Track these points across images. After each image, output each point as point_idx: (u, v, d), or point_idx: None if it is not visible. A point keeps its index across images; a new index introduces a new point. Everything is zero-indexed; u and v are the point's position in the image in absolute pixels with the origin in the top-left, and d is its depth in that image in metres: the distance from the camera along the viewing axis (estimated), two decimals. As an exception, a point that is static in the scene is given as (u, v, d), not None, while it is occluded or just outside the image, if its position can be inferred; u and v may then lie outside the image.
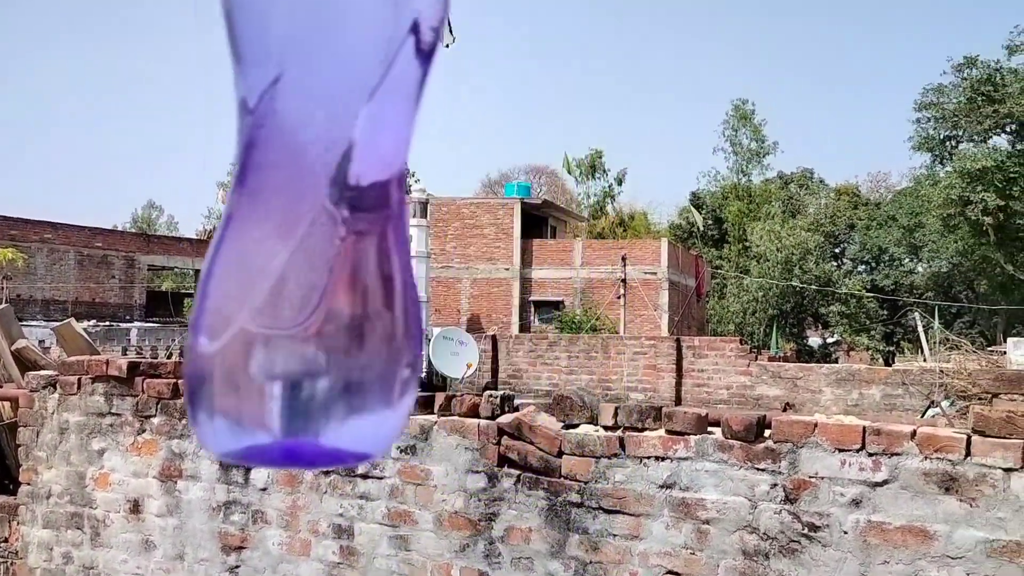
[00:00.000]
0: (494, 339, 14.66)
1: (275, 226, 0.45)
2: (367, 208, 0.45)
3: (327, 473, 4.04)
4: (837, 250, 39.87)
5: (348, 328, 0.44)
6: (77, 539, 4.61)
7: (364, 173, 0.45)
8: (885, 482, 3.00)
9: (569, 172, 39.90)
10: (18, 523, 4.87)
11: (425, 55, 0.44)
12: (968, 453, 2.90)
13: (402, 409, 0.47)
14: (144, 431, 4.47)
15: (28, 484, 4.74)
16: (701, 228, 37.24)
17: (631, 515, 3.40)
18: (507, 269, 28.48)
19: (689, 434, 3.35)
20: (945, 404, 8.59)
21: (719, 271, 35.83)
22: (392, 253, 0.46)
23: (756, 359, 12.62)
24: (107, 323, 13.96)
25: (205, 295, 0.46)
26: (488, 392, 3.95)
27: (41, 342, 7.67)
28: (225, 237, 0.47)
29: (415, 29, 0.43)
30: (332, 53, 0.42)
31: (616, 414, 3.55)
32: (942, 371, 9.93)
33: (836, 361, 24.10)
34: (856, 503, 3.05)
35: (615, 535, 3.42)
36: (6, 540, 5.16)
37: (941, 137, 31.02)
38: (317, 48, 0.42)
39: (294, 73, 0.43)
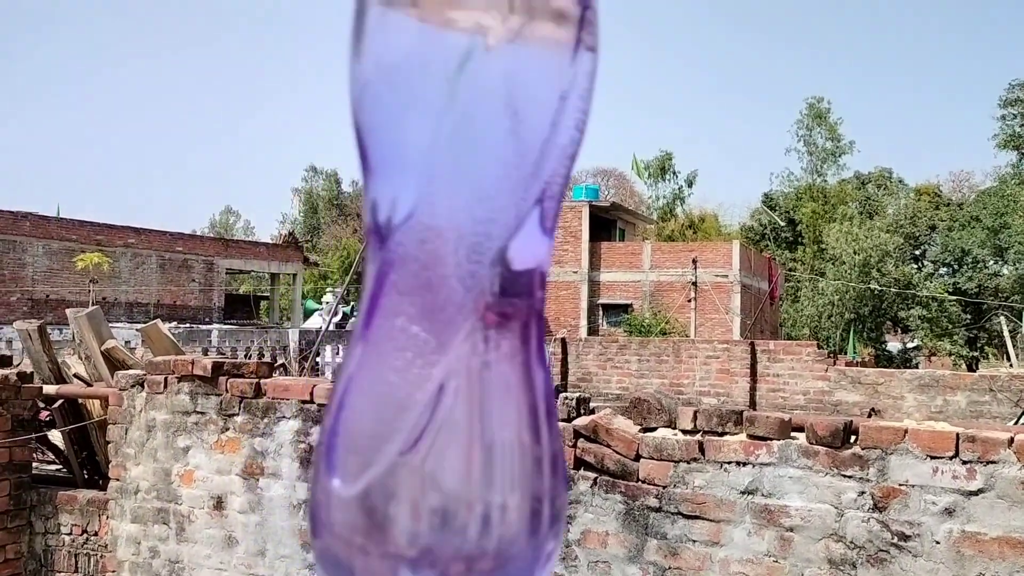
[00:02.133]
0: (563, 342, 14.61)
1: (417, 352, 0.41)
2: (513, 323, 0.40)
3: (404, 473, 4.07)
4: (917, 252, 38.63)
5: (501, 465, 0.40)
6: (163, 534, 4.75)
7: (512, 284, 0.41)
8: (980, 491, 2.89)
9: (638, 175, 39.59)
10: (107, 517, 5.05)
11: (575, 155, 0.41)
12: (1071, 462, 2.76)
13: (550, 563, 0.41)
14: (227, 429, 4.58)
15: (117, 480, 4.91)
16: (779, 226, 36.49)
17: (711, 521, 3.34)
18: (575, 272, 28.39)
19: (772, 439, 3.27)
20: (1037, 412, 8.23)
21: (793, 274, 35.08)
22: (537, 371, 0.42)
23: (834, 364, 12.30)
24: (188, 325, 14.40)
25: (336, 431, 0.42)
26: (564, 395, 3.93)
27: (127, 343, 7.94)
28: (361, 366, 0.42)
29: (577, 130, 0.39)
30: (488, 160, 0.38)
31: (695, 418, 3.49)
32: (1033, 377, 9.53)
33: (916, 367, 23.35)
34: (949, 512, 2.93)
35: (695, 541, 3.37)
36: (96, 534, 5.35)
37: (1029, 134, 29.84)
38: (470, 158, 0.38)
39: (443, 184, 0.38)
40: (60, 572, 5.43)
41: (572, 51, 0.38)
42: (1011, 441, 2.88)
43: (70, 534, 5.42)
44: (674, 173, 40.17)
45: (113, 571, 4.91)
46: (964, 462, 2.92)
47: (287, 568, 4.39)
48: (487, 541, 0.38)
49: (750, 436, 3.33)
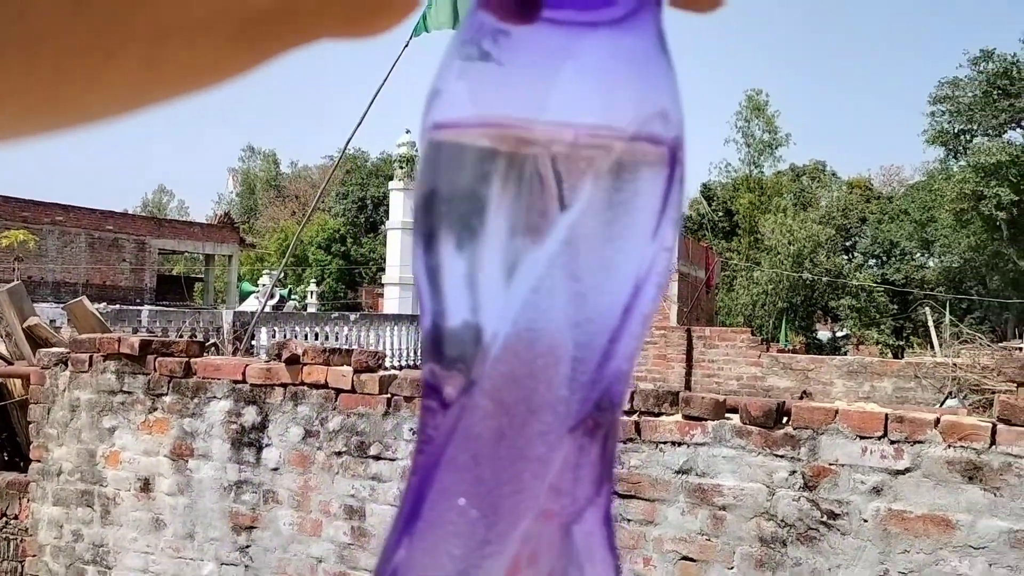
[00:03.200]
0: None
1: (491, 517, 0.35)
2: (596, 446, 0.36)
3: (339, 454, 4.02)
4: (848, 244, 39.65)
5: None
6: (87, 517, 4.60)
7: (603, 403, 0.35)
8: (907, 470, 2.96)
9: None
10: (28, 500, 4.87)
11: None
12: (993, 442, 2.85)
13: None
14: (155, 409, 4.45)
15: (39, 461, 4.73)
16: (714, 218, 37.09)
17: (646, 500, 3.37)
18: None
19: (706, 419, 3.30)
20: (960, 397, 8.52)
21: (729, 263, 35.72)
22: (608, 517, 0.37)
23: (767, 351, 12.55)
24: (117, 305, 13.98)
25: None
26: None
27: (52, 321, 7.67)
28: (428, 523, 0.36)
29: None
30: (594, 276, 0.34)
31: (632, 399, 3.50)
32: (955, 364, 9.86)
33: (845, 355, 23.99)
34: (877, 491, 3.00)
35: (629, 520, 3.38)
36: (16, 517, 5.16)
37: (956, 131, 30.77)
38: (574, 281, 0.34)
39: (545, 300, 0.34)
40: (-23, 557, 5.22)
41: (668, 173, 0.35)
42: (937, 422, 2.96)
43: (-12, 518, 5.22)
44: (615, 161, 40.45)
45: (34, 555, 4.74)
46: (892, 442, 2.99)
47: (217, 551, 4.29)
48: None
49: (685, 417, 3.35)
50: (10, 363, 5.51)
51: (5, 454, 5.67)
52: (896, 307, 34.79)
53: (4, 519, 5.20)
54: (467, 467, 0.36)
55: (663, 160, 0.36)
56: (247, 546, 4.22)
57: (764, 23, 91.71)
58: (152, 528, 4.45)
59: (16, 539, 5.15)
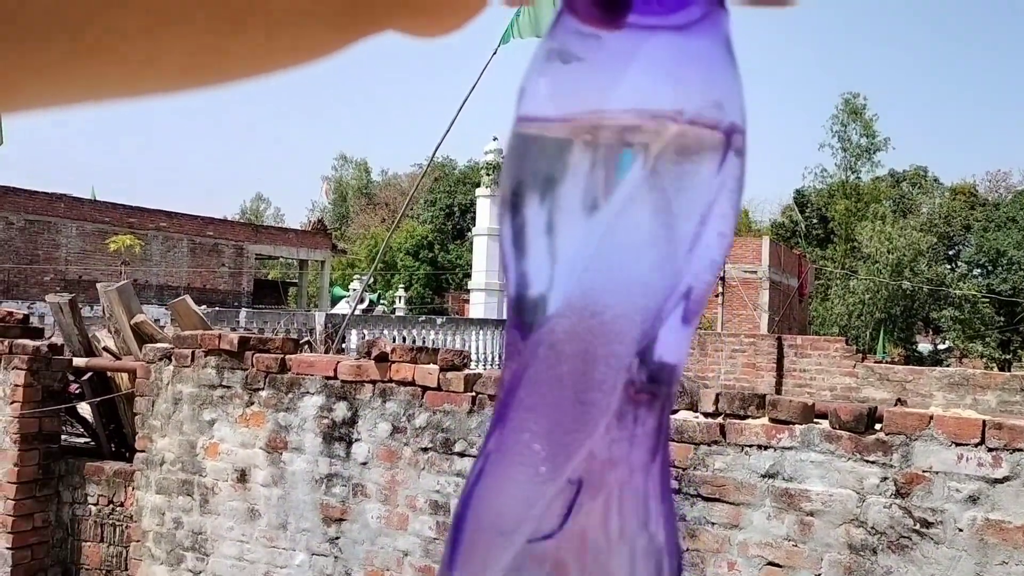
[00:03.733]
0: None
1: (553, 448, 0.40)
2: (650, 419, 0.40)
3: (425, 450, 4.10)
4: (951, 252, 38.07)
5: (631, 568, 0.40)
6: (187, 505, 4.81)
7: (652, 380, 0.39)
8: (1006, 479, 2.84)
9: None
10: (133, 488, 5.12)
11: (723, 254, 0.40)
12: (1101, 451, 2.72)
13: None
14: (252, 403, 4.63)
15: (143, 451, 4.98)
16: (807, 225, 36.13)
17: (731, 504, 3.33)
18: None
19: (794, 423, 3.25)
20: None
21: (823, 271, 34.71)
22: (665, 474, 0.41)
23: (863, 361, 12.16)
24: (217, 308, 14.56)
25: (460, 527, 0.41)
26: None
27: (156, 321, 8.04)
28: (492, 460, 0.41)
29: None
30: (641, 259, 0.38)
31: (717, 401, 3.47)
32: (1066, 378, 9.36)
33: (948, 367, 23.03)
34: (973, 500, 2.89)
35: (713, 523, 3.35)
36: (122, 504, 5.44)
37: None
38: (623, 257, 0.38)
39: (596, 278, 0.38)
40: (86, 541, 5.52)
41: (721, 158, 0.39)
42: (1039, 430, 2.84)
43: (96, 504, 5.51)
44: (704, 168, 39.82)
45: (138, 541, 4.99)
46: (990, 449, 2.88)
47: (308, 541, 4.43)
48: None
49: (772, 420, 3.30)
50: (118, 358, 5.81)
51: (112, 444, 5.98)
52: (1003, 319, 33.17)
53: (111, 506, 5.48)
54: (532, 407, 0.41)
55: (717, 145, 0.39)
56: (337, 537, 4.34)
57: (863, 19, 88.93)
58: (247, 518, 4.62)
59: (122, 525, 5.43)
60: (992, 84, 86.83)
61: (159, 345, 5.08)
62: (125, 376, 5.76)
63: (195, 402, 4.80)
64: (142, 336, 5.64)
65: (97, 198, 26.41)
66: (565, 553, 0.39)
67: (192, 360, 4.83)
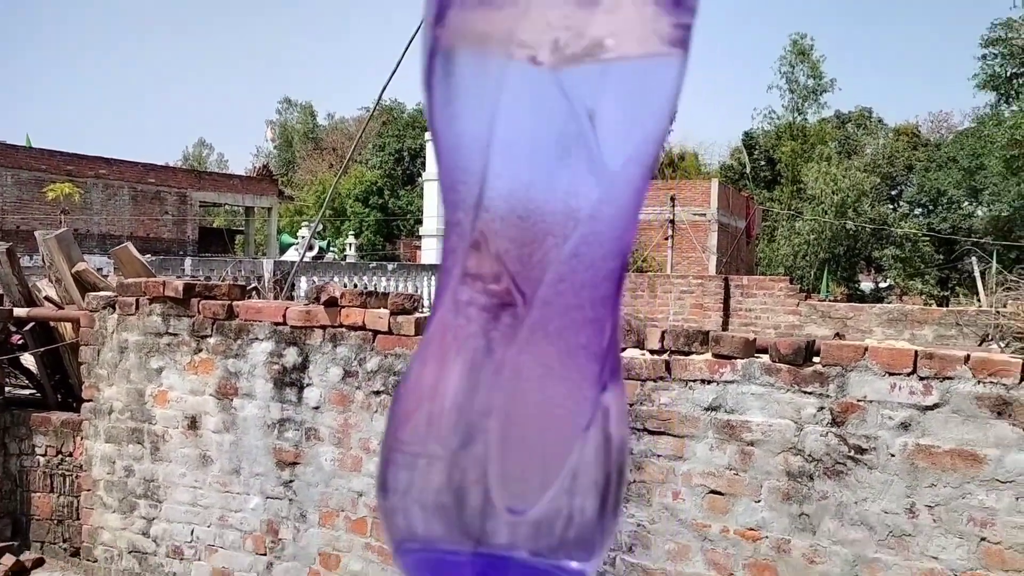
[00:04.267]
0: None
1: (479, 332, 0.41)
2: (601, 307, 0.42)
3: (377, 393, 4.13)
4: (894, 192, 38.84)
5: (579, 457, 0.42)
6: (138, 453, 4.79)
7: (604, 271, 0.41)
8: (936, 406, 2.97)
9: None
10: (82, 438, 5.08)
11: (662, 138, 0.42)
12: (1023, 378, 2.85)
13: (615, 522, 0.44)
14: (200, 351, 4.60)
15: (90, 401, 4.92)
16: (750, 170, 36.50)
17: (675, 436, 3.43)
18: (554, 208, 28.24)
19: (736, 358, 3.34)
20: (1001, 344, 8.41)
21: (771, 213, 35.22)
22: (616, 371, 0.43)
23: (806, 299, 12.45)
24: (161, 257, 14.28)
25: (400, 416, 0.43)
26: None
27: (99, 270, 7.87)
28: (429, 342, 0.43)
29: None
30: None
31: (663, 338, 3.55)
32: (999, 312, 9.71)
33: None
34: (905, 427, 3.02)
35: (659, 455, 3.45)
36: (71, 454, 5.39)
37: (1008, 75, 29.76)
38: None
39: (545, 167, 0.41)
40: (36, 492, 5.48)
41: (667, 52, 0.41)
42: (967, 358, 2.96)
43: (44, 455, 5.46)
44: (654, 110, 39.74)
45: (89, 490, 4.96)
46: (921, 378, 3.00)
47: (262, 485, 4.45)
48: (571, 526, 0.41)
49: (715, 356, 3.39)
50: (61, 307, 5.70)
51: (59, 395, 5.90)
52: (942, 257, 34.13)
53: (60, 456, 5.43)
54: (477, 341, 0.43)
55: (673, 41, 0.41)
56: (291, 481, 4.38)
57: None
58: (200, 464, 4.63)
59: (72, 475, 5.39)
60: (936, 26, 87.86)
61: (102, 293, 4.99)
62: (69, 326, 5.66)
63: (141, 350, 4.75)
64: (84, 285, 5.53)
65: (33, 145, 25.51)
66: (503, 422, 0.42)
67: (137, 308, 4.76)
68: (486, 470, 0.40)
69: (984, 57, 29.79)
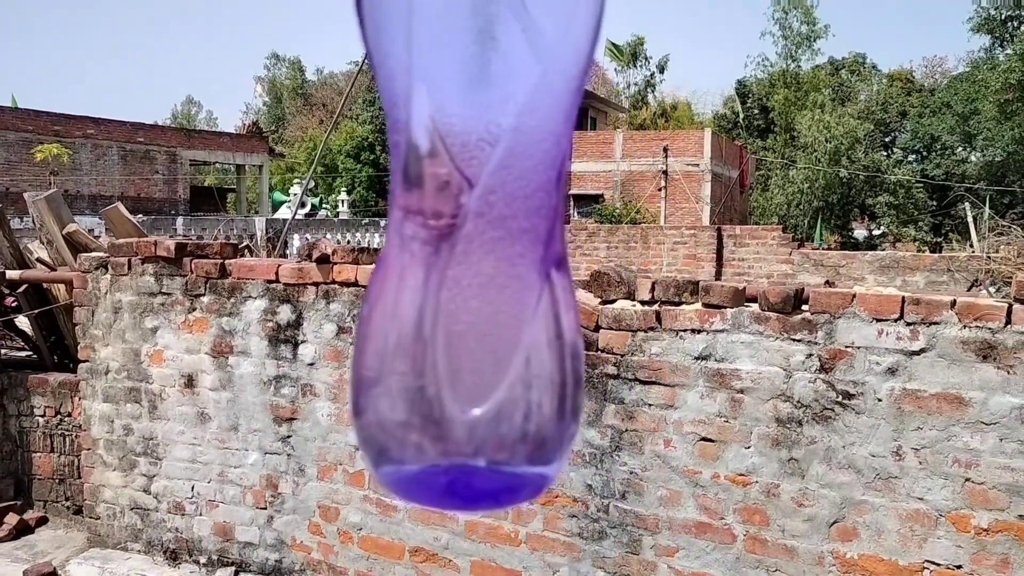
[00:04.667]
0: (534, 230, 14.58)
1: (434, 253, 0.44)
2: (543, 225, 0.44)
3: (370, 348, 4.15)
4: (888, 139, 38.66)
5: (538, 363, 0.44)
6: (136, 412, 4.84)
7: (545, 184, 0.44)
8: (922, 351, 3.01)
9: (617, 58, 38.73)
10: (80, 398, 5.12)
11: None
12: (1008, 321, 2.88)
13: (573, 431, 0.46)
14: (194, 309, 4.61)
15: (87, 361, 4.95)
16: (743, 119, 36.26)
17: (666, 386, 3.47)
18: (547, 161, 28.07)
19: (725, 307, 3.37)
20: (991, 289, 8.47)
21: (764, 162, 35.08)
22: (565, 277, 0.46)
23: (799, 248, 12.49)
24: (152, 216, 14.20)
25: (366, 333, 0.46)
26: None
27: (91, 231, 7.85)
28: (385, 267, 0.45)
29: None
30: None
31: (653, 289, 3.57)
32: (990, 257, 9.75)
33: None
34: (892, 372, 3.07)
35: (650, 404, 3.50)
36: (70, 414, 5.44)
37: (1003, 17, 29.48)
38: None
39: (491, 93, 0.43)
40: (36, 452, 5.54)
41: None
42: (953, 303, 2.99)
43: (43, 415, 5.51)
44: (646, 59, 39.44)
45: (89, 449, 5.02)
46: (908, 324, 3.04)
47: (260, 441, 4.51)
48: (530, 426, 0.44)
49: (705, 305, 3.42)
50: (53, 269, 5.70)
51: (55, 356, 5.93)
52: (935, 203, 34.11)
53: (59, 416, 5.48)
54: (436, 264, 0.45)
55: None
56: (288, 436, 4.43)
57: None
58: (198, 421, 4.68)
59: (71, 435, 5.45)
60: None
61: (94, 254, 4.99)
62: (62, 287, 5.67)
63: (135, 310, 4.77)
64: (76, 246, 5.52)
65: (19, 106, 25.19)
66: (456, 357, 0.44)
67: (129, 268, 4.77)
68: (439, 380, 0.43)
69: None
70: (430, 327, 0.43)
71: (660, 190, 27.14)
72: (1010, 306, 2.88)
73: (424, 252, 0.43)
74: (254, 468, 4.55)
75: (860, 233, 37.60)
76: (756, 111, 38.49)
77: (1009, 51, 28.86)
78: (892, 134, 38.74)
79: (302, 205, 16.15)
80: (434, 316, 0.43)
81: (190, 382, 4.68)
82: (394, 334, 0.44)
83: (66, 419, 5.47)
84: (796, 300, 3.27)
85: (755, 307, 3.36)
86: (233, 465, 4.61)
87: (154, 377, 4.77)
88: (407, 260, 0.44)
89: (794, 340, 3.22)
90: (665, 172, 27.20)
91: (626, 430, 3.54)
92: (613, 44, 37.79)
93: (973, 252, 12.79)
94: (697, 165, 27.68)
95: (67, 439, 5.48)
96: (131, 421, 4.86)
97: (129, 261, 4.76)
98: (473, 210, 0.42)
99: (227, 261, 4.57)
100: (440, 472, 0.44)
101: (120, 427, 4.90)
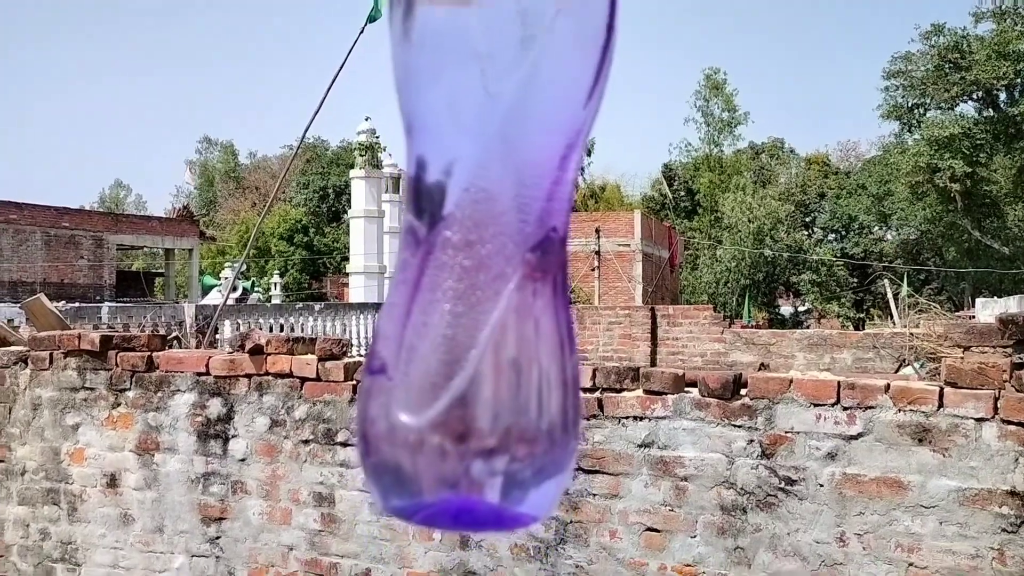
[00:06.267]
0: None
1: (474, 300, 0.46)
2: (548, 275, 0.47)
3: (306, 442, 4.03)
4: (808, 219, 40.19)
5: (545, 385, 0.47)
6: (54, 515, 4.57)
7: (548, 241, 0.47)
8: (860, 435, 3.05)
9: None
10: (-7, 501, 4.82)
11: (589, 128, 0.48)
12: (941, 405, 2.95)
13: (569, 469, 0.48)
14: (119, 405, 4.43)
15: (2, 461, 4.69)
16: (671, 201, 37.35)
17: (610, 474, 3.43)
18: (481, 243, 28.34)
19: (667, 393, 3.37)
20: (916, 365, 8.72)
21: (692, 242, 36.03)
22: (564, 315, 0.48)
23: (730, 327, 12.73)
24: (76, 304, 13.77)
25: (399, 367, 0.48)
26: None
27: (10, 321, 7.55)
28: (422, 312, 0.47)
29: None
30: (532, 131, 0.45)
31: (595, 376, 3.56)
32: (912, 334, 10.07)
33: (807, 328, 24.37)
34: (832, 456, 3.09)
35: (595, 495, 3.45)
36: (-19, 519, 5.11)
37: (909, 105, 31.24)
38: (517, 128, 0.44)
39: (496, 150, 0.45)
40: (-58, 561, 5.17)
41: (600, 37, 0.45)
42: (887, 387, 3.05)
43: (-49, 521, 5.16)
44: (576, 143, 40.42)
45: (1, 556, 4.70)
46: (845, 408, 3.08)
47: (187, 543, 4.29)
48: (540, 430, 0.46)
49: (646, 391, 3.42)
50: (-32, 364, 5.42)
51: (-34, 456, 5.59)
52: (856, 280, 35.39)
53: (-32, 521, 5.14)
54: (440, 283, 0.46)
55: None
56: (217, 537, 4.23)
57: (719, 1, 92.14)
58: (120, 523, 4.43)
59: (-19, 541, 5.10)
60: (842, 59, 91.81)
61: (13, 348, 4.78)
62: (-24, 383, 5.39)
63: (56, 406, 4.55)
64: (-7, 339, 5.28)
65: (-65, 190, 24.44)
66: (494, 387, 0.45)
67: (51, 362, 4.57)
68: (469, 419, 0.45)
69: (887, 88, 31.24)
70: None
71: (593, 270, 27.54)
72: (941, 389, 2.95)
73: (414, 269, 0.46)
74: (180, 573, 4.31)
75: (786, 309, 38.66)
76: (683, 193, 39.75)
77: (916, 136, 30.53)
78: (812, 214, 40.32)
79: (233, 289, 15.88)
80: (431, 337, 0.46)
81: (113, 481, 4.45)
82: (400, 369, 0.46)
83: (-24, 524, 5.13)
84: (735, 385, 3.30)
85: (695, 392, 3.37)
86: (157, 570, 4.36)
87: (74, 477, 4.53)
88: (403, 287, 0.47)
89: (735, 426, 3.23)
90: (598, 252, 27.66)
91: (571, 521, 3.48)
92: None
93: (895, 329, 13.21)
94: (628, 245, 28.27)
95: (-24, 546, 5.13)
96: (48, 525, 4.59)
97: (51, 355, 4.56)
98: (443, 235, 0.46)
99: (155, 353, 4.42)
100: (444, 505, 0.46)
101: (36, 531, 4.61)
